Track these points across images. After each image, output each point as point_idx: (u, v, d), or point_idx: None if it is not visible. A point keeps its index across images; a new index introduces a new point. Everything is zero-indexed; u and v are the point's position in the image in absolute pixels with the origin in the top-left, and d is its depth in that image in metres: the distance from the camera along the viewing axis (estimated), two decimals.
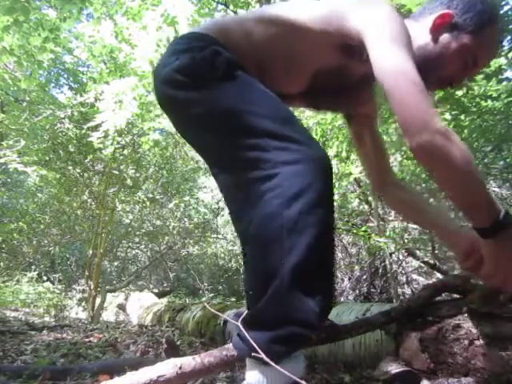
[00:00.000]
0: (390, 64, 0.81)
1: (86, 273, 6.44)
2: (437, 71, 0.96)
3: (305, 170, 0.77)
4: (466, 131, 3.84)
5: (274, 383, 0.78)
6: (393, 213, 5.94)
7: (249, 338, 0.77)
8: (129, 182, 6.57)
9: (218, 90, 0.86)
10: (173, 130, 5.58)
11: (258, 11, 1.06)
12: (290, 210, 0.75)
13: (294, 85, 1.04)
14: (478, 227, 0.82)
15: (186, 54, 0.90)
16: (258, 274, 0.80)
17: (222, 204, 8.56)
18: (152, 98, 4.36)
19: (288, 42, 0.95)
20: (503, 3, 2.34)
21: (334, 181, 0.87)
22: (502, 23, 1.01)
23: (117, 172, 6.18)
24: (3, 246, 7.35)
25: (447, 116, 3.64)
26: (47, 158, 6.17)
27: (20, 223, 6.75)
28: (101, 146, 4.13)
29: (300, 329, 0.76)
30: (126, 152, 5.61)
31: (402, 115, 0.79)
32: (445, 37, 0.95)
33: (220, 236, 9.07)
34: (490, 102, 3.61)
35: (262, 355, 0.63)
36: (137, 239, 9.29)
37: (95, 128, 4.12)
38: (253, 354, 0.77)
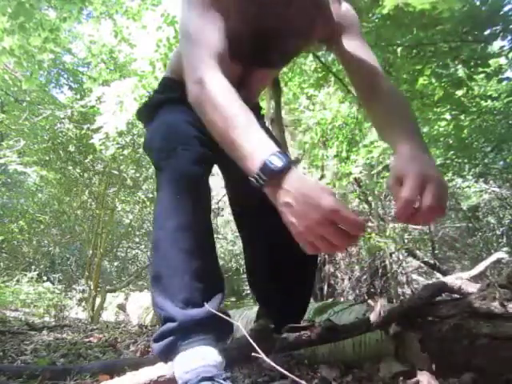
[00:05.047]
0: (180, 23, 0.92)
1: (86, 273, 6.44)
2: None
3: (167, 182, 0.89)
4: (465, 131, 3.84)
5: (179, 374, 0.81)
6: (393, 212, 5.94)
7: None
8: (129, 181, 6.57)
9: (148, 127, 1.12)
10: None
11: None
12: (155, 221, 0.91)
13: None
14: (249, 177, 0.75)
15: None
16: None
17: (221, 204, 8.57)
18: None
19: None
20: (504, 3, 2.35)
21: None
22: None
23: (117, 172, 6.19)
24: (3, 245, 7.35)
25: (447, 116, 3.64)
26: (47, 158, 6.17)
27: (20, 222, 6.75)
28: (102, 147, 4.14)
29: (167, 325, 0.85)
30: (125, 152, 5.61)
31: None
32: None
33: (220, 236, 9.07)
34: (490, 102, 3.61)
35: (262, 355, 0.63)
36: (137, 239, 9.29)
37: (97, 130, 4.13)
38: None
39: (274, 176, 0.66)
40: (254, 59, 1.00)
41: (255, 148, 0.69)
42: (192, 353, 0.81)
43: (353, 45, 0.98)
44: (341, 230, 0.61)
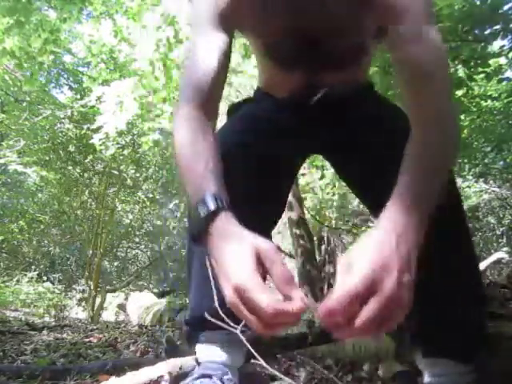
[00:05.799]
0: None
1: (86, 273, 6.45)
2: None
3: None
4: (465, 131, 3.84)
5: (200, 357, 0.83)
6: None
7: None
8: (129, 181, 6.57)
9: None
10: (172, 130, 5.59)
11: None
12: None
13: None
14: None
15: None
16: None
17: None
18: (152, 98, 4.36)
19: None
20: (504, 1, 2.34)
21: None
22: None
23: (117, 172, 6.19)
24: (3, 245, 7.35)
25: None
26: (47, 158, 6.17)
27: (20, 222, 6.76)
28: (102, 147, 4.14)
29: (188, 313, 0.88)
30: (125, 152, 5.61)
31: None
32: None
33: None
34: (490, 102, 3.61)
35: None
36: (137, 239, 9.29)
37: (97, 130, 4.13)
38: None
39: (200, 227, 0.58)
40: (309, 65, 0.84)
41: (192, 191, 0.62)
42: (203, 347, 0.82)
43: (398, 31, 0.70)
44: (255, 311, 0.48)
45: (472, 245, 0.81)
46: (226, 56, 0.76)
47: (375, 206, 0.88)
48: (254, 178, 0.80)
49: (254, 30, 0.86)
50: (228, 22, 0.77)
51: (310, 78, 0.86)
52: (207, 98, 0.72)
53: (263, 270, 0.52)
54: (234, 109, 0.97)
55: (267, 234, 0.91)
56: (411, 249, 0.52)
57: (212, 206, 0.57)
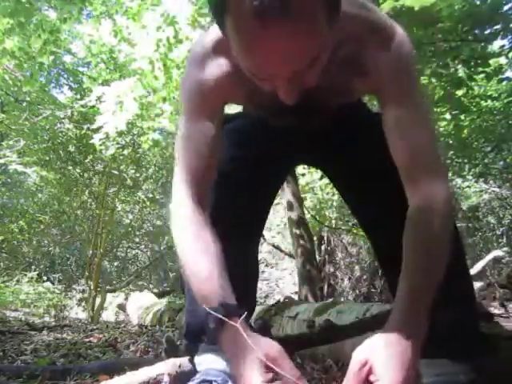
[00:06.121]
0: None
1: (86, 273, 6.45)
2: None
3: None
4: (465, 131, 3.84)
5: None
6: None
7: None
8: (129, 181, 6.57)
9: None
10: (172, 129, 5.59)
11: None
12: None
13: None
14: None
15: None
16: None
17: None
18: (152, 98, 4.36)
19: None
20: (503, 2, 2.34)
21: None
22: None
23: (117, 172, 6.19)
24: (3, 245, 7.36)
25: (447, 116, 3.64)
26: (47, 158, 6.17)
27: (20, 222, 6.76)
28: (102, 147, 4.14)
29: (185, 327, 0.91)
30: (125, 152, 5.61)
31: None
32: None
33: None
34: (490, 102, 3.61)
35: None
36: (137, 239, 9.30)
37: (97, 130, 4.13)
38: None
39: (210, 334, 0.63)
40: (298, 122, 0.83)
41: (200, 296, 0.67)
42: (202, 358, 0.82)
43: (394, 116, 0.72)
44: None
45: (462, 246, 0.86)
46: (217, 141, 0.78)
47: (364, 214, 0.95)
48: (245, 191, 0.85)
49: (243, 102, 0.88)
50: (216, 104, 0.78)
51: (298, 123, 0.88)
52: (201, 189, 0.76)
53: (273, 372, 0.58)
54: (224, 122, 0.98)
55: (256, 240, 0.97)
56: (419, 350, 0.60)
57: (222, 314, 0.62)
